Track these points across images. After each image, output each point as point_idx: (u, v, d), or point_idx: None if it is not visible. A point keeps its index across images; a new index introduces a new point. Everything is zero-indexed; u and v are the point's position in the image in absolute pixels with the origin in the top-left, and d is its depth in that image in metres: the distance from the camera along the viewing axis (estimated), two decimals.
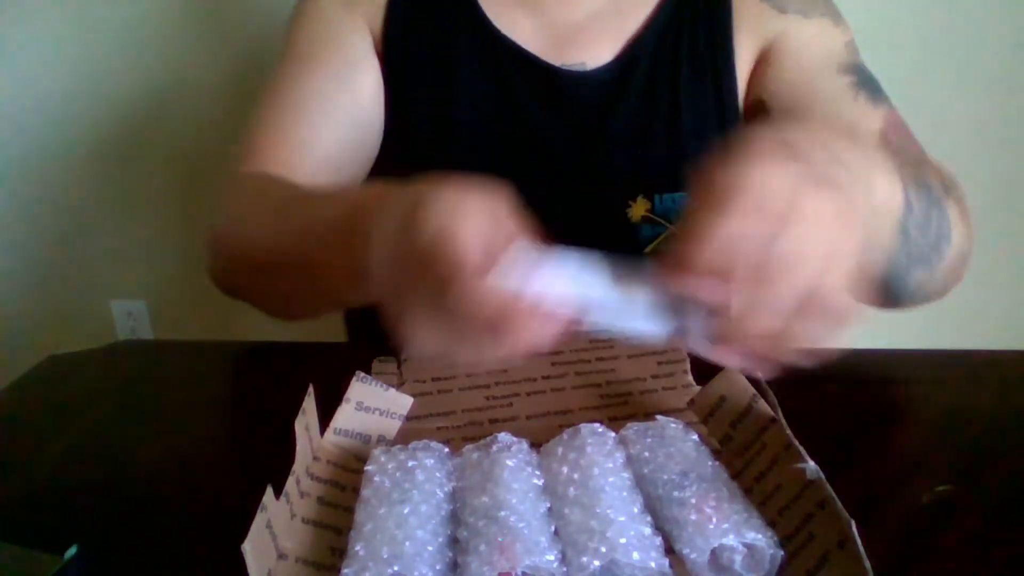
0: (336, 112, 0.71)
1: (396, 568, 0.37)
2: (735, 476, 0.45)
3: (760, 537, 0.39)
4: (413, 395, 0.55)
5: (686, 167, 0.74)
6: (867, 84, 0.72)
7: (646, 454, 0.46)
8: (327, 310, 0.61)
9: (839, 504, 0.38)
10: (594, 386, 0.56)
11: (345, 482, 0.46)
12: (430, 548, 0.39)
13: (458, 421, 0.54)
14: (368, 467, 0.45)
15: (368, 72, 0.74)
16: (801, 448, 0.42)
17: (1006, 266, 1.47)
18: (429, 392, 0.56)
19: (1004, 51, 1.36)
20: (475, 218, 0.35)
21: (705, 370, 0.52)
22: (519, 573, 0.37)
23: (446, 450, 0.47)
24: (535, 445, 0.48)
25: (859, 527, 0.36)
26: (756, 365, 0.36)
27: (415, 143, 0.75)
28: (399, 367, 0.59)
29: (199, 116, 1.50)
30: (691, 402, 0.52)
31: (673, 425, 0.48)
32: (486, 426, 0.53)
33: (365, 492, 0.43)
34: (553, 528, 0.41)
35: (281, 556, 0.40)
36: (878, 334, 0.57)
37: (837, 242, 0.34)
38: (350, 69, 0.73)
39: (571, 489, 0.42)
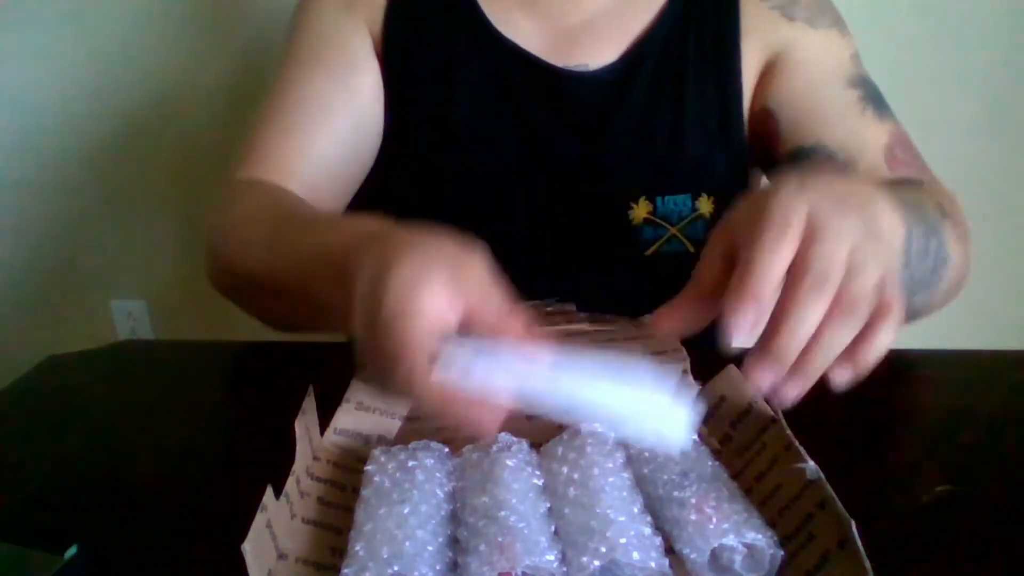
0: (336, 115, 0.71)
1: (396, 568, 0.37)
2: (735, 476, 0.45)
3: (760, 537, 0.39)
4: None
5: (688, 170, 0.74)
6: (873, 98, 0.72)
7: (646, 454, 0.46)
8: (323, 331, 0.60)
9: (839, 504, 0.38)
10: None
11: (345, 482, 0.46)
12: (430, 548, 0.39)
13: None
14: (368, 467, 0.45)
15: (368, 74, 0.74)
16: (801, 448, 0.42)
17: (1007, 266, 1.47)
18: None
19: (1004, 51, 1.36)
20: (431, 298, 0.37)
21: (705, 370, 0.52)
22: (519, 573, 0.37)
23: (446, 450, 0.47)
24: (535, 445, 0.48)
25: (859, 527, 0.36)
26: (787, 388, 0.36)
27: (415, 145, 0.75)
28: None
29: (199, 116, 1.50)
30: None
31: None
32: None
33: (365, 492, 0.43)
34: (553, 528, 0.41)
35: (281, 556, 0.40)
36: None
37: (871, 250, 0.36)
38: (350, 71, 0.73)
39: (571, 489, 0.42)
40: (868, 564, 0.35)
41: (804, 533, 0.39)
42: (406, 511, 0.41)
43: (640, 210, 0.73)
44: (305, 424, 0.47)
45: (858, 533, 0.36)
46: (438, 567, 0.39)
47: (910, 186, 0.63)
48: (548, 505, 0.42)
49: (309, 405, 0.48)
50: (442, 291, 0.38)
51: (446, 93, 0.74)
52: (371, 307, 0.38)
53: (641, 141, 0.73)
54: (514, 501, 0.41)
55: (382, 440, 0.51)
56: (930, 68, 1.36)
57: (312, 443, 0.48)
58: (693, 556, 0.38)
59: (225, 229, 0.63)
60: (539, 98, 0.74)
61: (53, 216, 1.61)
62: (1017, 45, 1.35)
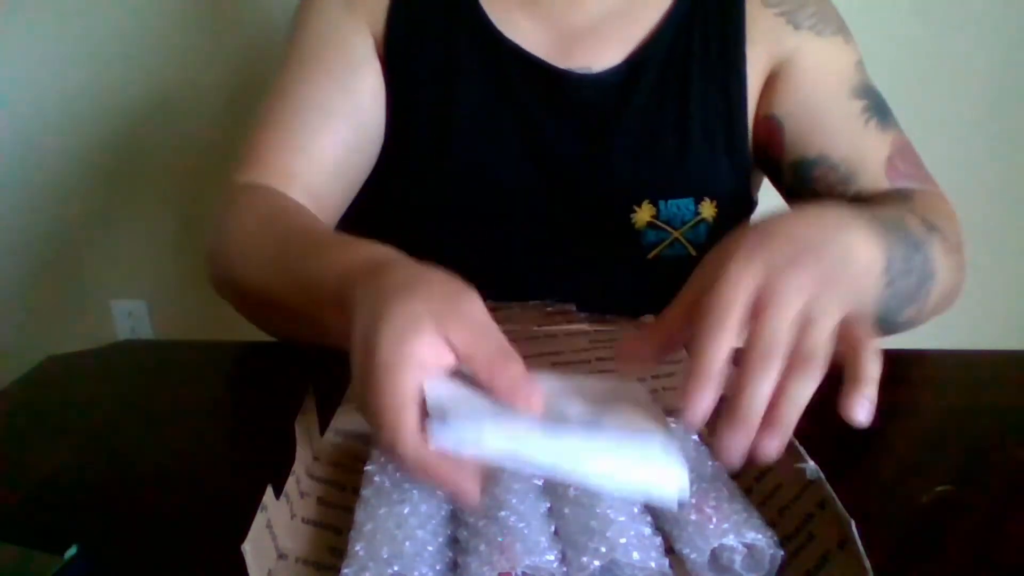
0: (337, 117, 0.71)
1: (396, 568, 0.37)
2: (735, 476, 0.45)
3: (760, 537, 0.39)
4: None
5: (692, 174, 0.74)
6: (877, 108, 0.72)
7: None
8: (323, 346, 0.60)
9: (839, 504, 0.38)
10: None
11: (345, 482, 0.46)
12: (430, 548, 0.39)
13: None
14: (368, 467, 0.45)
15: (369, 75, 0.73)
16: (801, 448, 0.42)
17: (1007, 266, 1.47)
18: None
19: (1005, 51, 1.36)
20: (422, 348, 0.37)
21: None
22: (519, 573, 0.37)
23: None
24: None
25: (859, 527, 0.36)
26: (765, 447, 0.37)
27: (416, 146, 0.74)
28: None
29: (199, 116, 1.50)
30: None
31: (673, 425, 0.48)
32: None
33: (365, 492, 0.43)
34: (553, 528, 0.41)
35: (281, 556, 0.40)
36: None
37: (827, 300, 0.38)
38: (351, 72, 0.73)
39: (571, 489, 0.42)
40: (868, 564, 0.35)
41: (804, 533, 0.39)
42: (406, 511, 0.41)
43: (643, 214, 0.73)
44: (305, 424, 0.47)
45: (858, 533, 0.36)
46: (438, 567, 0.39)
47: (896, 203, 0.64)
48: (548, 505, 0.42)
49: (309, 405, 0.48)
50: (433, 339, 0.38)
51: (447, 94, 0.73)
52: (364, 360, 0.38)
53: (645, 145, 0.73)
54: (514, 501, 0.41)
55: None
56: (930, 68, 1.36)
57: (312, 443, 0.48)
58: (693, 556, 0.38)
59: (226, 238, 0.63)
60: (541, 99, 0.73)
61: (53, 216, 1.61)
62: (1017, 45, 1.35)
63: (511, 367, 0.38)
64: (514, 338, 0.41)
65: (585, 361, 0.59)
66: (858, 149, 0.71)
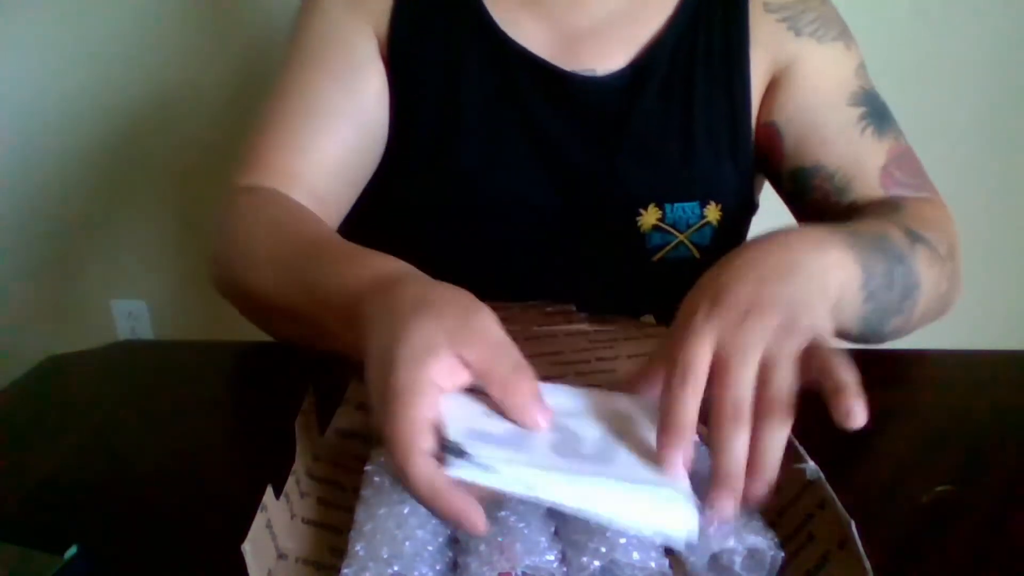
0: (340, 118, 0.71)
1: (396, 568, 0.37)
2: None
3: (760, 540, 0.39)
4: None
5: (698, 178, 0.74)
6: (875, 115, 0.72)
7: None
8: (327, 353, 0.61)
9: (839, 504, 0.38)
10: (594, 386, 0.56)
11: (345, 482, 0.46)
12: (430, 548, 0.39)
13: None
14: (368, 467, 0.45)
15: (373, 76, 0.73)
16: (801, 448, 0.42)
17: (1007, 266, 1.47)
18: None
19: (1005, 51, 1.36)
20: (439, 370, 0.38)
21: None
22: (519, 573, 0.37)
23: None
24: None
25: (859, 527, 0.36)
26: (752, 493, 0.39)
27: (420, 147, 0.74)
28: None
29: (200, 116, 1.50)
30: None
31: None
32: None
33: (365, 492, 0.43)
34: (553, 528, 0.41)
35: (281, 556, 0.40)
36: None
37: (785, 345, 0.40)
38: (355, 74, 0.72)
39: None
40: (868, 564, 0.35)
41: (804, 533, 0.39)
42: (406, 511, 0.41)
43: (649, 217, 0.73)
44: (305, 424, 0.47)
45: (858, 533, 0.36)
46: (438, 567, 0.39)
47: (884, 213, 0.64)
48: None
49: (309, 405, 0.48)
50: (449, 360, 0.39)
51: (451, 95, 0.73)
52: (381, 382, 0.38)
53: (651, 149, 0.73)
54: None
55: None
56: (930, 68, 1.36)
57: (312, 443, 0.48)
58: (692, 559, 0.38)
59: (231, 242, 0.63)
60: (545, 101, 0.73)
61: (53, 216, 1.61)
62: (1017, 45, 1.35)
63: (523, 386, 0.40)
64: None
65: (585, 361, 0.59)
66: (854, 158, 0.71)
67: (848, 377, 0.38)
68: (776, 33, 0.73)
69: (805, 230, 0.51)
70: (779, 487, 0.42)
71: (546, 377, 0.42)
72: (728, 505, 0.38)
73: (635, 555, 0.38)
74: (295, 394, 0.48)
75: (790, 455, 0.42)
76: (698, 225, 0.73)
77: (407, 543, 0.39)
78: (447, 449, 0.36)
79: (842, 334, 0.55)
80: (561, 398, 0.43)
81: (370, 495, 0.43)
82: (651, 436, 0.41)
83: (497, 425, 0.39)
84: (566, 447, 0.39)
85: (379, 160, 0.75)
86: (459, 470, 0.36)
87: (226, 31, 1.44)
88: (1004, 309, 1.46)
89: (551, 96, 0.73)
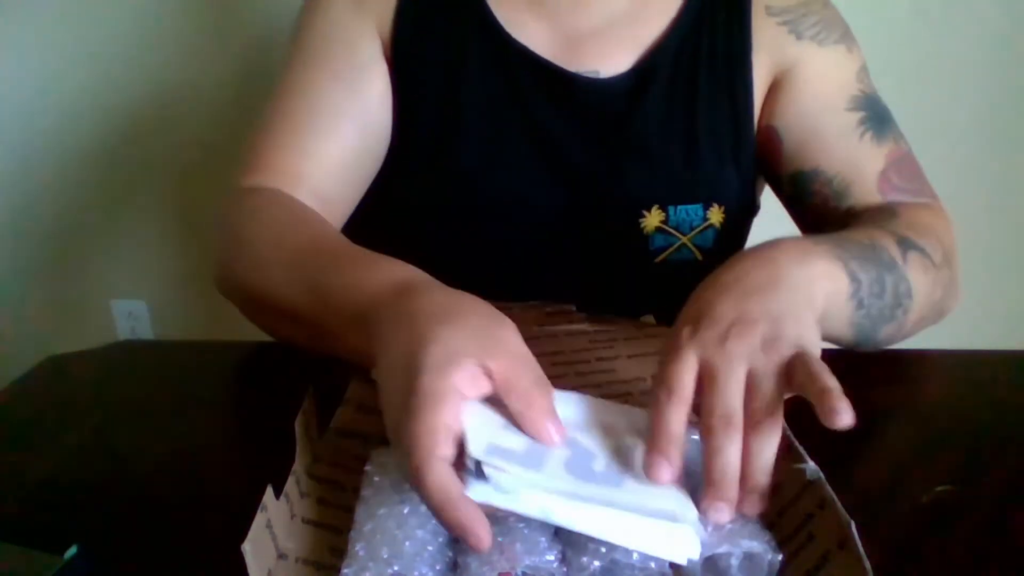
0: (344, 119, 0.71)
1: (396, 568, 0.37)
2: None
3: (755, 543, 0.39)
4: None
5: (701, 180, 0.75)
6: (875, 119, 0.72)
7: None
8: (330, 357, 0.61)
9: (839, 504, 0.38)
10: (594, 386, 0.56)
11: (345, 482, 0.46)
12: (430, 548, 0.39)
13: None
14: (368, 467, 0.45)
15: (376, 77, 0.73)
16: (801, 448, 0.42)
17: (1006, 266, 1.47)
18: None
19: (1005, 51, 1.36)
20: (464, 377, 0.39)
21: None
22: (519, 573, 0.37)
23: None
24: None
25: (859, 527, 0.36)
26: (747, 507, 0.40)
27: (423, 147, 0.74)
28: None
29: (200, 116, 1.50)
30: None
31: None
32: None
33: (365, 492, 0.43)
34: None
35: (281, 556, 0.40)
36: None
37: (767, 358, 0.41)
38: (358, 74, 0.72)
39: None
40: (868, 564, 0.35)
41: (804, 533, 0.39)
42: (406, 511, 0.41)
43: (652, 219, 0.73)
44: (305, 424, 0.47)
45: (858, 533, 0.36)
46: (438, 567, 0.39)
47: (879, 220, 0.65)
48: None
49: (309, 405, 0.48)
50: (474, 369, 0.39)
51: (455, 95, 0.73)
52: (404, 385, 0.39)
53: (655, 152, 0.73)
54: None
55: (382, 440, 0.51)
56: (930, 69, 1.36)
57: (312, 443, 0.48)
58: (686, 563, 0.38)
59: (236, 243, 0.63)
60: (549, 101, 0.73)
61: (53, 216, 1.61)
62: (1017, 45, 1.35)
63: (542, 402, 0.40)
64: None
65: (585, 361, 0.59)
66: (852, 163, 0.71)
67: (832, 382, 0.39)
68: (778, 36, 0.73)
69: (791, 242, 0.51)
70: (779, 487, 0.43)
71: (552, 379, 0.43)
72: (722, 512, 0.39)
73: (635, 555, 0.38)
74: (295, 394, 0.48)
75: (790, 455, 0.42)
76: (701, 227, 0.73)
77: (407, 543, 0.39)
78: (466, 468, 0.37)
79: (834, 342, 0.56)
80: (575, 409, 0.44)
81: (370, 495, 0.43)
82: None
83: (514, 440, 0.40)
84: (579, 465, 0.40)
85: (382, 161, 0.75)
86: (476, 491, 0.36)
87: (226, 31, 1.44)
88: (1004, 309, 1.46)
89: (554, 97, 0.73)
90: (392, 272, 0.50)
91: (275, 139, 0.70)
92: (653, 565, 0.38)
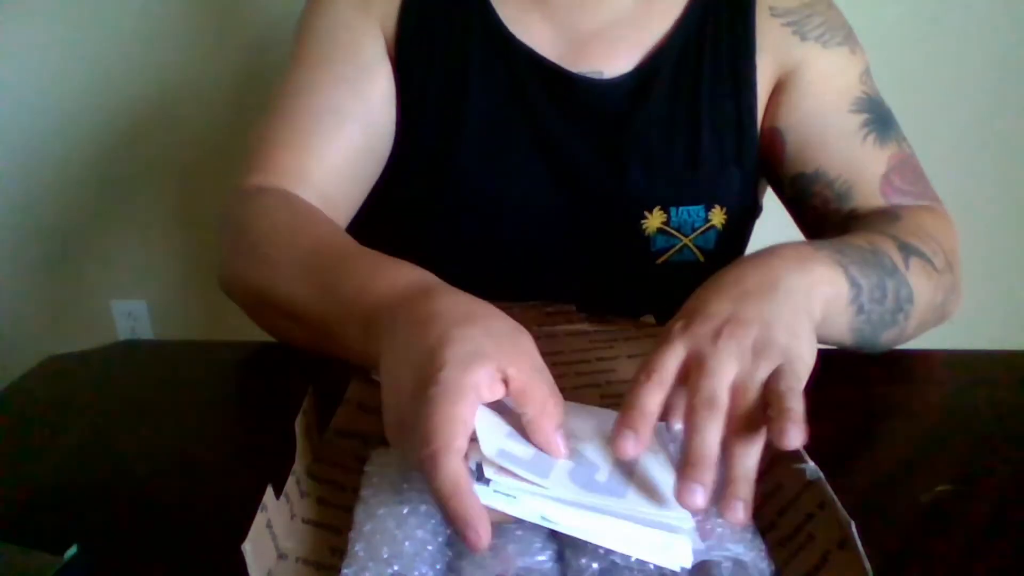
0: (348, 119, 0.71)
1: (396, 568, 0.37)
2: None
3: (745, 551, 0.39)
4: None
5: (703, 182, 0.75)
6: (878, 122, 0.72)
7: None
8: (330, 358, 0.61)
9: (839, 505, 0.38)
10: (594, 386, 0.56)
11: (345, 482, 0.46)
12: (430, 548, 0.39)
13: None
14: (367, 467, 0.45)
15: (380, 77, 0.73)
16: (801, 448, 0.42)
17: (1006, 266, 1.47)
18: None
19: (1005, 51, 1.36)
20: (485, 376, 0.39)
21: None
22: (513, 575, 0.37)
23: None
24: None
25: (859, 527, 0.36)
26: (734, 514, 0.39)
27: (426, 147, 0.74)
28: None
29: (200, 116, 1.50)
30: None
31: (677, 427, 0.48)
32: None
33: (364, 492, 0.43)
34: (547, 530, 0.41)
35: (281, 556, 0.40)
36: None
37: (755, 367, 0.42)
38: (363, 74, 0.72)
39: None
40: (868, 564, 0.35)
41: (804, 533, 0.39)
42: (405, 511, 0.41)
43: (654, 220, 0.73)
44: (305, 424, 0.47)
45: (858, 533, 0.36)
46: (438, 567, 0.39)
47: (881, 224, 0.65)
48: None
49: (309, 405, 0.48)
50: (493, 372, 0.40)
51: (458, 94, 0.73)
52: (424, 377, 0.39)
53: (657, 153, 0.73)
54: None
55: (382, 440, 0.51)
56: (930, 68, 1.36)
57: (312, 443, 0.48)
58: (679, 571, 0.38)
59: (244, 242, 0.63)
60: (551, 101, 0.73)
61: (53, 216, 1.61)
62: (1017, 45, 1.35)
63: (553, 415, 0.41)
64: None
65: (585, 361, 0.59)
66: (854, 166, 0.71)
67: (795, 404, 0.39)
68: (782, 38, 0.73)
69: (791, 247, 0.52)
70: (779, 487, 0.43)
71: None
72: (696, 495, 0.38)
73: (633, 558, 0.38)
74: (295, 394, 0.48)
75: (790, 455, 0.42)
76: (703, 229, 0.73)
77: (407, 543, 0.39)
78: (468, 470, 0.37)
79: (835, 345, 0.57)
80: (578, 420, 0.44)
81: (369, 495, 0.43)
82: (659, 473, 0.42)
83: (520, 448, 0.40)
84: (582, 475, 0.40)
85: (385, 160, 0.74)
86: (478, 493, 0.36)
87: (226, 31, 1.44)
88: (1004, 309, 1.46)
89: (557, 97, 0.73)
90: (403, 274, 0.50)
91: (279, 138, 0.70)
92: (652, 567, 0.38)
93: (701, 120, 0.73)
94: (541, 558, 0.38)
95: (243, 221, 0.64)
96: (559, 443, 0.41)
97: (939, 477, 0.49)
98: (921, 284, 0.59)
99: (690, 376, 0.42)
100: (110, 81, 1.48)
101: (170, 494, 0.50)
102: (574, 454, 0.41)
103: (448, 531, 0.42)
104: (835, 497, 0.39)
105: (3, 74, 1.49)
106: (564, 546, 0.40)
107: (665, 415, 0.45)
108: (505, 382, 0.40)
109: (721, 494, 0.39)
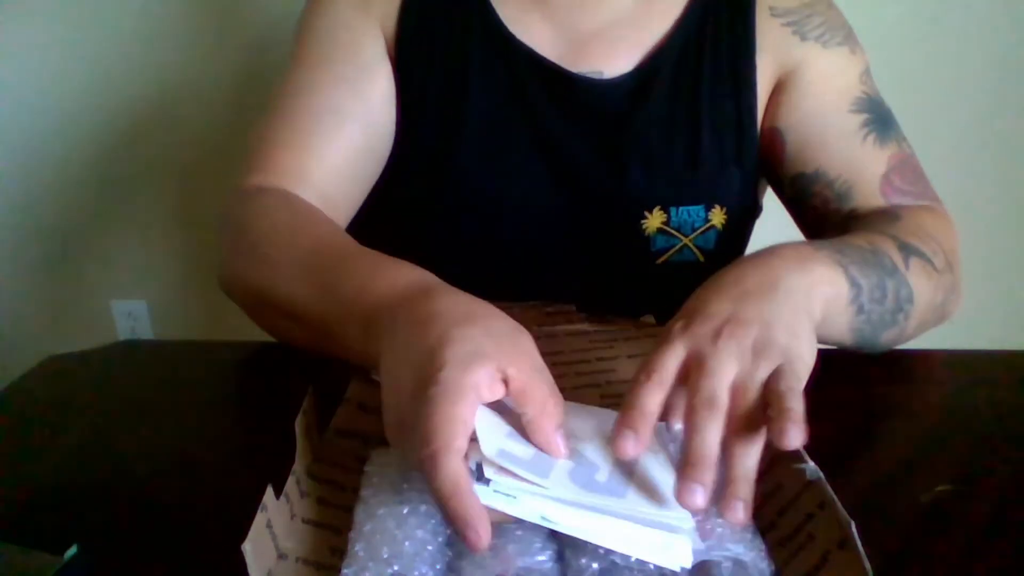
0: (349, 119, 0.71)
1: (396, 568, 0.37)
2: None
3: (745, 551, 0.39)
4: None
5: (703, 182, 0.75)
6: (878, 122, 0.72)
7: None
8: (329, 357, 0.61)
9: (839, 505, 0.38)
10: (594, 386, 0.56)
11: (345, 482, 0.46)
12: (430, 548, 0.39)
13: None
14: (367, 467, 0.45)
15: (381, 77, 0.73)
16: (801, 448, 0.42)
17: (1006, 266, 1.47)
18: None
19: (1005, 51, 1.36)
20: (486, 376, 0.39)
21: None
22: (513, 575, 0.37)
23: None
24: None
25: (859, 527, 0.36)
26: (733, 514, 0.39)
27: (426, 147, 0.74)
28: None
29: (200, 116, 1.50)
30: None
31: (677, 427, 0.48)
32: None
33: (364, 492, 0.43)
34: (547, 530, 0.41)
35: (281, 556, 0.40)
36: None
37: (754, 368, 0.42)
38: (363, 74, 0.72)
39: None
40: (868, 564, 0.35)
41: (804, 533, 0.39)
42: (405, 511, 0.41)
43: (654, 220, 0.73)
44: (305, 424, 0.47)
45: (858, 533, 0.36)
46: (438, 566, 0.39)
47: (881, 224, 0.65)
48: None
49: (309, 405, 0.48)
50: (493, 372, 0.40)
51: (458, 94, 0.73)
52: (425, 375, 0.39)
53: (657, 153, 0.73)
54: None
55: (382, 440, 0.51)
56: (930, 69, 1.36)
57: (312, 443, 0.48)
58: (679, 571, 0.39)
59: (245, 242, 0.63)
60: (553, 103, 0.73)
61: (53, 216, 1.61)
62: (1016, 45, 1.35)
63: (553, 415, 0.41)
64: None
65: (585, 361, 0.59)
66: (854, 166, 0.71)
67: (795, 404, 0.39)
68: (782, 38, 0.73)
69: (792, 247, 0.52)
70: (779, 487, 0.43)
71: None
72: (696, 496, 0.38)
73: (633, 558, 0.38)
74: (295, 394, 0.48)
75: (790, 455, 0.42)
76: (703, 229, 0.73)
77: (407, 543, 0.39)
78: (468, 470, 0.37)
79: (835, 345, 0.57)
80: (578, 420, 0.44)
81: (369, 495, 0.43)
82: (659, 474, 0.42)
83: (520, 449, 0.40)
84: (582, 475, 0.40)
85: (385, 160, 0.74)
86: (480, 494, 0.36)
87: (226, 31, 1.44)
88: (1004, 309, 1.46)
89: (557, 97, 0.73)
90: (403, 274, 0.50)
91: (279, 138, 0.70)
92: (652, 567, 0.38)
93: (701, 120, 0.73)
94: (541, 558, 0.38)
95: (243, 221, 0.64)
96: (559, 443, 0.41)
97: (939, 477, 0.49)
98: (921, 284, 0.59)
99: (690, 376, 0.42)
100: (110, 81, 1.48)
101: (170, 494, 0.50)
102: (574, 454, 0.41)
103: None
104: (835, 497, 0.39)
105: (3, 74, 1.49)
106: (564, 546, 0.40)
107: (665, 415, 0.45)
108: (505, 382, 0.40)
109: (721, 494, 0.39)
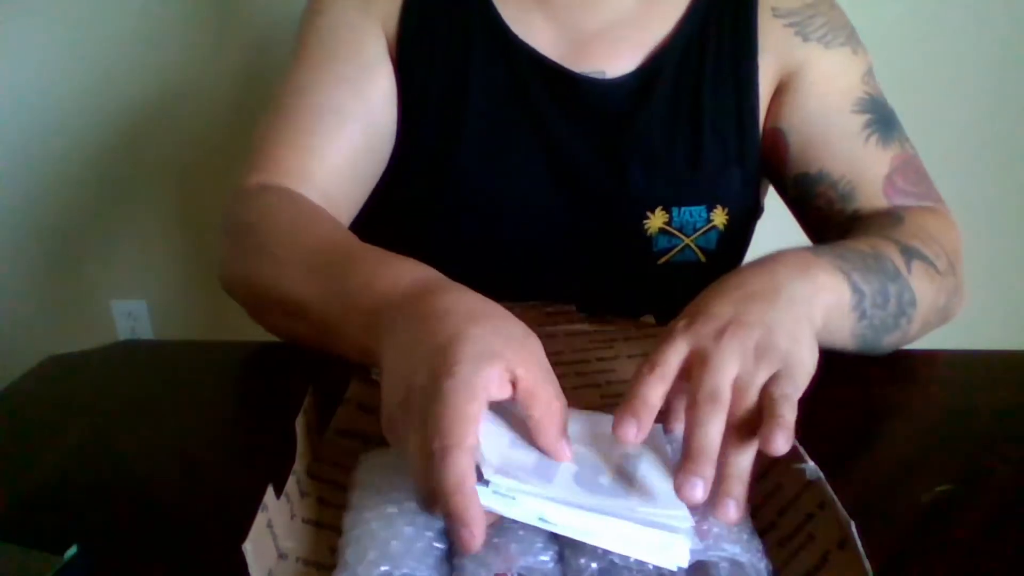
0: (350, 119, 0.71)
1: (385, 568, 0.37)
2: None
3: (742, 552, 0.39)
4: None
5: (705, 182, 0.75)
6: (881, 122, 0.72)
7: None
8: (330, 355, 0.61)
9: (839, 505, 0.38)
10: (594, 386, 0.56)
11: (345, 482, 0.46)
12: (419, 544, 0.39)
13: None
14: (354, 472, 0.45)
15: (382, 77, 0.73)
16: (801, 448, 0.42)
17: (1006, 267, 1.47)
18: None
19: (1005, 50, 1.36)
20: (496, 375, 0.39)
21: None
22: (515, 574, 0.37)
23: None
24: None
25: (859, 527, 0.36)
26: (726, 512, 0.39)
27: (427, 146, 0.74)
28: None
29: (200, 116, 1.50)
30: None
31: (676, 432, 0.48)
32: None
33: (351, 496, 0.43)
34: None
35: (281, 556, 0.40)
36: None
37: (754, 369, 0.42)
38: (364, 74, 0.72)
39: None
40: (868, 564, 0.35)
41: (804, 533, 0.39)
42: (393, 511, 0.41)
43: (656, 220, 0.73)
44: (305, 424, 0.47)
45: (858, 533, 0.36)
46: (428, 560, 0.39)
47: (884, 226, 0.65)
48: None
49: (309, 405, 0.48)
50: (503, 372, 0.40)
51: (459, 94, 0.73)
52: (436, 372, 0.39)
53: (659, 153, 0.73)
54: None
55: (382, 440, 0.51)
56: (930, 69, 1.36)
57: (312, 443, 0.48)
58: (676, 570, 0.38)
59: (248, 240, 0.63)
60: (555, 103, 0.73)
61: (53, 216, 1.61)
62: (1016, 45, 1.35)
63: (559, 417, 0.41)
64: None
65: (585, 361, 0.59)
66: (857, 167, 0.71)
67: (787, 412, 0.39)
68: (784, 38, 0.73)
69: (794, 253, 0.52)
70: (779, 487, 0.43)
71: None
72: (696, 489, 0.38)
73: (632, 558, 0.38)
74: (295, 394, 0.48)
75: (790, 455, 0.42)
76: (704, 229, 0.73)
77: (393, 542, 0.39)
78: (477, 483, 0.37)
79: (838, 350, 0.56)
80: (578, 424, 0.44)
81: (356, 499, 0.43)
82: (661, 476, 0.42)
83: (523, 455, 0.40)
84: (587, 479, 0.40)
85: (387, 160, 0.74)
86: (486, 500, 0.36)
87: (226, 31, 1.44)
88: (1004, 309, 1.46)
89: (559, 97, 0.73)
90: (407, 270, 0.50)
91: (281, 138, 0.70)
92: (651, 567, 0.38)
93: (703, 120, 0.73)
94: (544, 558, 0.38)
95: (245, 220, 0.64)
96: (564, 446, 0.41)
97: (939, 477, 0.49)
98: (923, 287, 0.59)
99: (692, 372, 0.43)
100: (110, 81, 1.48)
101: (170, 494, 0.50)
102: (577, 457, 0.41)
103: (439, 525, 0.42)
104: (835, 497, 0.39)
105: (3, 74, 1.49)
106: (563, 546, 0.40)
107: (665, 417, 0.45)
108: (513, 383, 0.40)
109: (719, 496, 0.39)
